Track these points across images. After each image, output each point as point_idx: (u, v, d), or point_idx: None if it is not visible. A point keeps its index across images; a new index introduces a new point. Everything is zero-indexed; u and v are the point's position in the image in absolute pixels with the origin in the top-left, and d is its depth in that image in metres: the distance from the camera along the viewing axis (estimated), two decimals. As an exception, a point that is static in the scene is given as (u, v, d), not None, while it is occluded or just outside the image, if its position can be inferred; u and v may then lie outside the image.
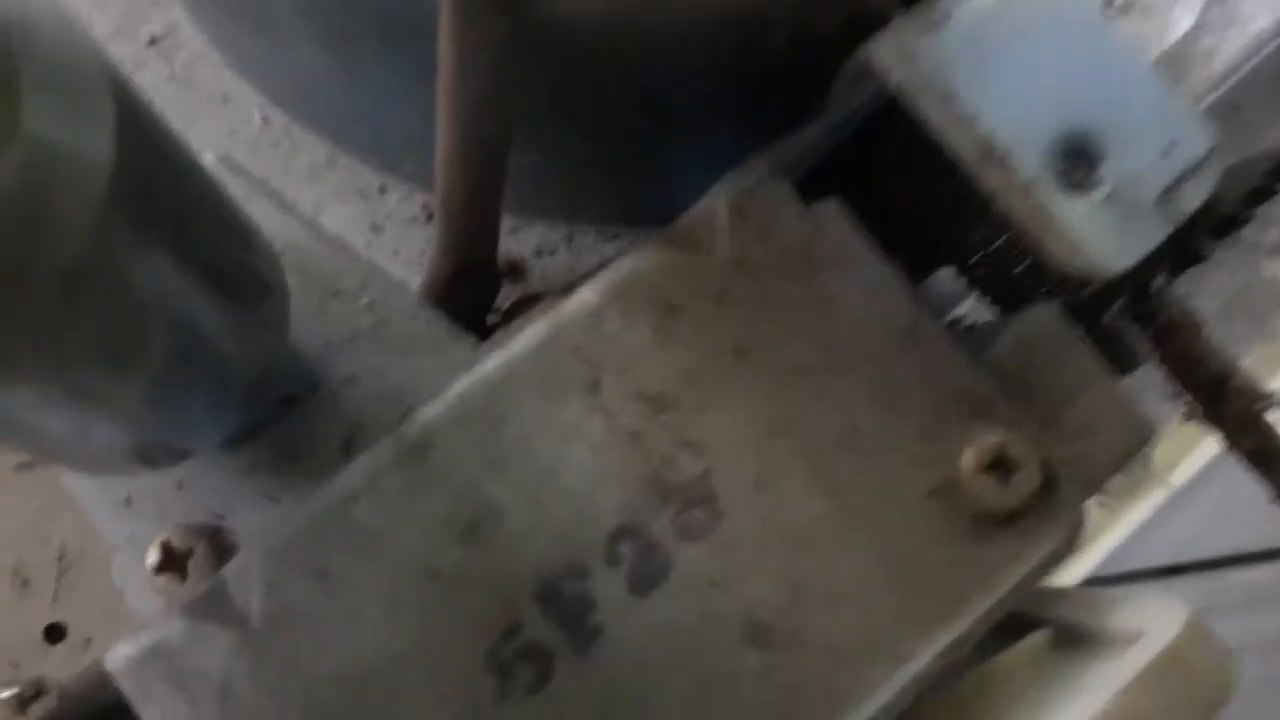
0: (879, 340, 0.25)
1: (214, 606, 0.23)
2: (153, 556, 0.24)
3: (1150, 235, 0.24)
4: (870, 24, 0.25)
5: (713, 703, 0.22)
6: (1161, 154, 0.24)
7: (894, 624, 0.23)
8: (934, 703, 0.23)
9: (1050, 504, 0.24)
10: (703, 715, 0.22)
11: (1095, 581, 0.59)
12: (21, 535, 0.37)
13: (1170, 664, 0.20)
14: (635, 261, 0.26)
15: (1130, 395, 0.26)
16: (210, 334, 0.22)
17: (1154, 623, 0.21)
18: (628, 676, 0.23)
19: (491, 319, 0.36)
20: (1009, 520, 0.23)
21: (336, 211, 0.42)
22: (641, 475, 0.24)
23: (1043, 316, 0.26)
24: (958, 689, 0.24)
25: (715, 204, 0.26)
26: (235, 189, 0.28)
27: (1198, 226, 0.29)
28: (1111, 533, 0.61)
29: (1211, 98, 0.52)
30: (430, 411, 0.24)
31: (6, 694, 0.26)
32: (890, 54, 0.24)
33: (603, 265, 0.27)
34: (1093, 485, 0.24)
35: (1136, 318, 0.32)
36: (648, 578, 0.23)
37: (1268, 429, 0.31)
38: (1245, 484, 0.34)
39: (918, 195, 0.31)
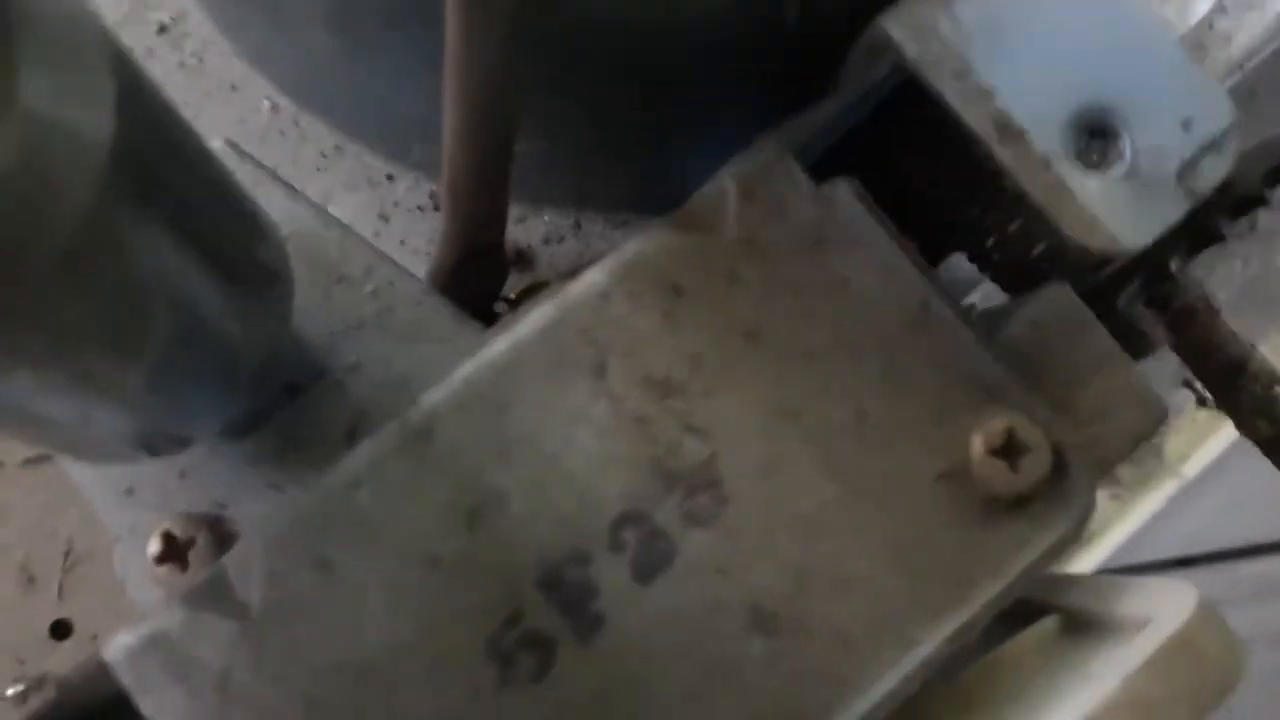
0: (889, 322, 0.25)
1: (214, 596, 0.23)
2: (154, 546, 0.23)
3: (1169, 212, 0.23)
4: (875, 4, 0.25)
5: (716, 690, 0.22)
6: (1181, 128, 0.24)
7: (901, 609, 0.23)
8: (942, 689, 0.23)
9: (1060, 488, 0.23)
10: (706, 703, 0.22)
11: (1106, 572, 0.58)
12: (27, 531, 0.37)
13: (1180, 649, 0.19)
14: (643, 244, 0.25)
15: (1144, 378, 0.25)
16: (213, 318, 0.22)
17: (1163, 608, 0.20)
18: (630, 664, 0.22)
19: (499, 307, 0.36)
20: (1018, 505, 0.23)
21: (344, 200, 0.42)
22: (646, 460, 0.24)
23: (1056, 297, 0.25)
24: (965, 675, 0.24)
25: (724, 185, 0.26)
26: (242, 174, 0.28)
27: (1216, 205, 0.28)
28: (1123, 524, 0.60)
29: (1230, 81, 0.51)
30: (434, 397, 0.24)
31: (11, 691, 0.26)
32: (904, 27, 0.24)
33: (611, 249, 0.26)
34: (1104, 469, 0.24)
35: (1152, 301, 0.32)
36: (651, 564, 0.23)
37: (1283, 414, 0.31)
38: (1258, 475, 0.34)
39: (933, 176, 0.30)
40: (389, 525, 0.23)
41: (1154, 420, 0.25)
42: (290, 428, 0.27)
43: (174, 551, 0.24)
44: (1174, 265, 0.30)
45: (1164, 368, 0.36)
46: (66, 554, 0.38)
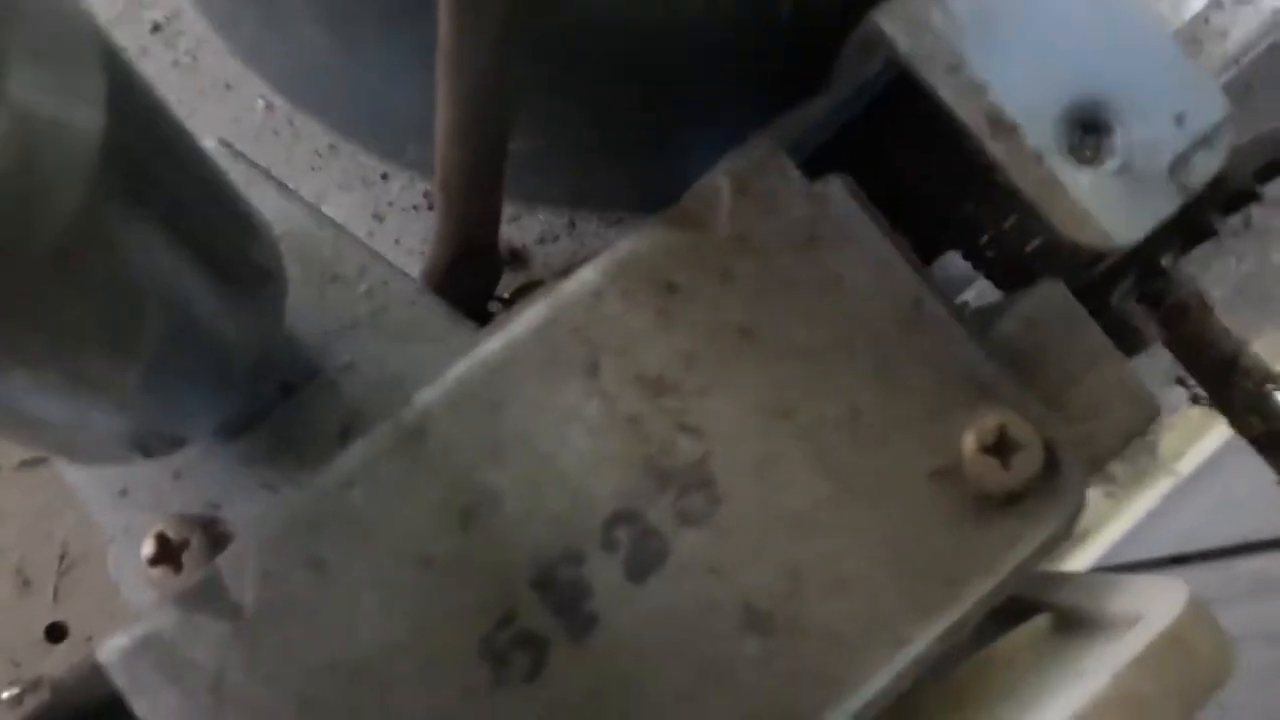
0: (882, 319, 0.25)
1: (207, 597, 0.23)
2: (147, 548, 0.23)
3: (1161, 207, 0.23)
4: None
5: (710, 690, 0.22)
6: (1174, 123, 0.24)
7: (893, 608, 0.23)
8: (934, 686, 0.23)
9: (1052, 486, 0.23)
10: (700, 703, 0.22)
11: (1101, 570, 0.58)
12: (23, 534, 0.37)
13: (1170, 645, 0.19)
14: (636, 241, 0.25)
15: (1137, 375, 0.25)
16: (207, 318, 0.22)
17: (1154, 605, 0.20)
18: (623, 663, 0.22)
19: (493, 306, 0.36)
20: (1010, 502, 0.23)
21: (339, 199, 0.42)
22: (639, 459, 0.24)
23: (1049, 294, 0.25)
24: (958, 673, 0.24)
25: (717, 181, 0.26)
26: (235, 173, 0.28)
27: (1209, 200, 0.28)
28: (1118, 521, 0.61)
29: (1225, 76, 0.51)
30: (427, 396, 0.24)
31: (6, 694, 0.26)
32: (896, 21, 0.24)
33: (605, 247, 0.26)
34: (1096, 466, 0.24)
35: (1144, 298, 0.32)
36: (645, 563, 0.23)
37: (1276, 411, 0.31)
38: (1252, 472, 0.34)
39: (926, 172, 0.30)
40: (383, 525, 0.23)
41: (1146, 417, 0.25)
42: (284, 427, 0.27)
43: (168, 553, 0.24)
44: (1167, 261, 0.30)
45: (1157, 364, 0.36)
46: (62, 557, 0.37)
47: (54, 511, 0.38)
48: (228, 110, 0.43)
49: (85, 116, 0.15)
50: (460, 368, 0.24)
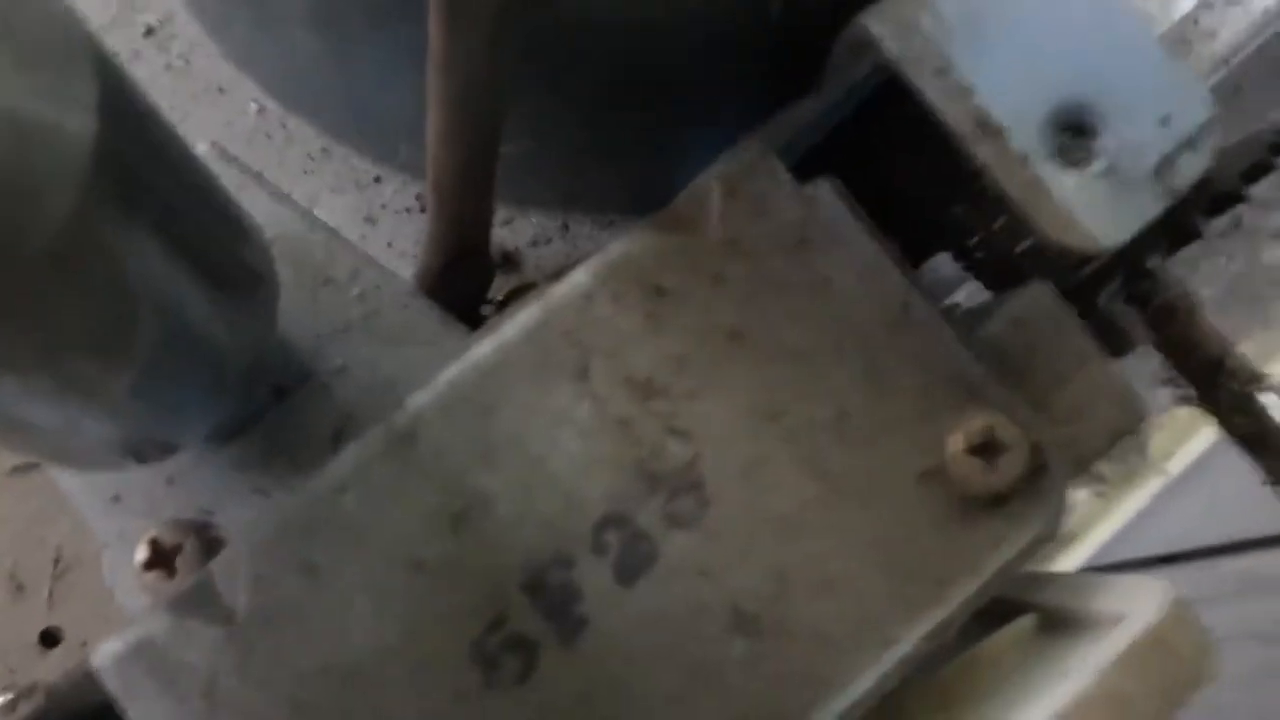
0: (871, 322, 0.25)
1: (200, 602, 0.23)
2: (141, 553, 0.24)
3: (1145, 209, 0.24)
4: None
5: (699, 692, 0.22)
6: (1159, 124, 0.24)
7: (880, 608, 0.23)
8: (920, 685, 0.23)
9: (1037, 487, 0.23)
10: (689, 705, 0.22)
11: (1092, 569, 0.59)
12: (16, 539, 0.37)
13: (1152, 645, 0.20)
14: (627, 244, 0.25)
15: (1123, 376, 0.26)
16: (199, 323, 0.22)
17: (1136, 605, 0.21)
18: (613, 666, 0.23)
19: (486, 309, 0.36)
20: (996, 503, 0.23)
21: (331, 202, 0.42)
22: (629, 463, 0.24)
23: (1037, 295, 0.26)
24: (944, 672, 0.24)
25: (707, 185, 0.26)
26: (227, 178, 0.28)
27: (1195, 202, 0.28)
28: (1108, 521, 0.61)
29: (1214, 77, 0.52)
30: (419, 400, 0.24)
31: (1, 700, 0.26)
32: (885, 24, 0.24)
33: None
34: (1082, 467, 0.24)
35: (1132, 299, 0.32)
36: (634, 566, 0.23)
37: (1261, 411, 0.31)
38: (1240, 472, 0.34)
39: (916, 174, 0.31)
40: (374, 529, 0.23)
41: (1132, 419, 0.25)
42: (276, 431, 0.27)
43: (161, 558, 0.24)
44: (1154, 263, 0.31)
45: (1147, 365, 0.36)
46: (56, 562, 0.37)
47: (48, 517, 0.38)
48: (220, 114, 0.43)
49: (77, 122, 0.15)
50: (452, 371, 0.24)
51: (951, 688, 0.24)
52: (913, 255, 0.30)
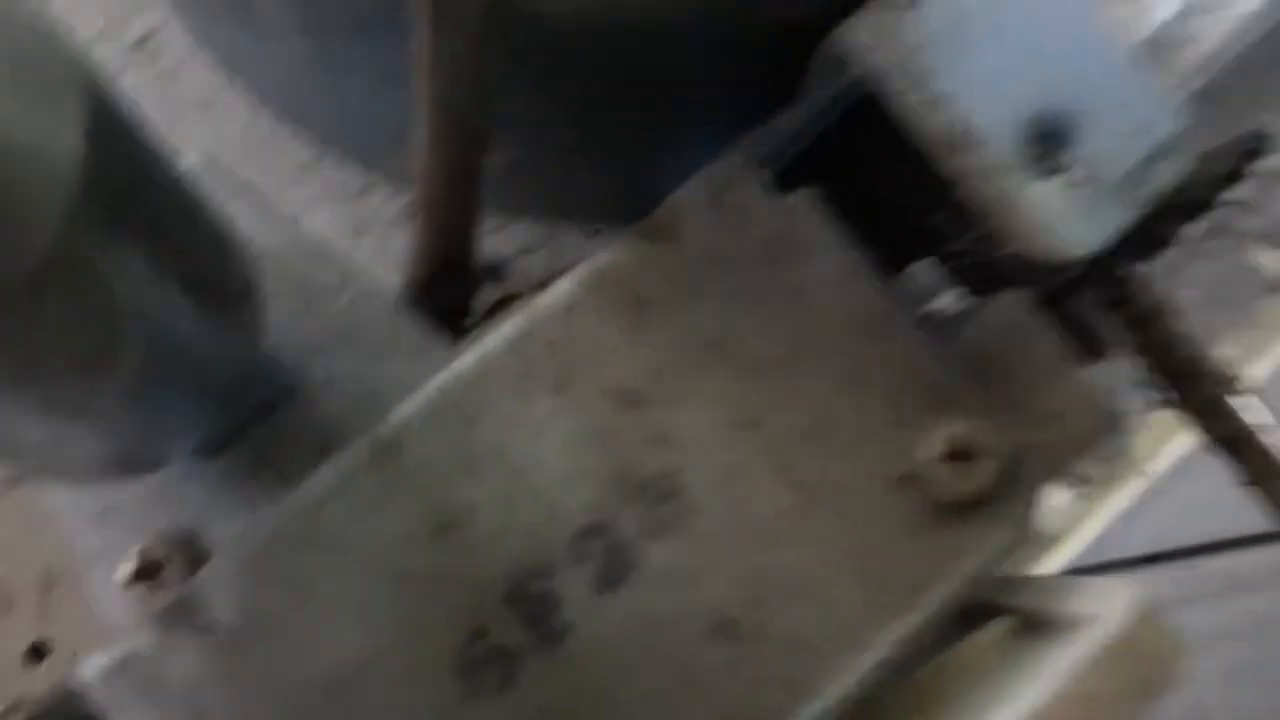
0: (847, 331, 0.25)
1: (185, 616, 0.23)
2: (128, 567, 0.24)
3: (1115, 219, 0.24)
4: (843, 8, 0.25)
5: (678, 698, 0.23)
6: (1130, 135, 0.25)
7: (856, 614, 0.23)
8: (898, 689, 0.24)
9: (1010, 493, 0.24)
10: (667, 710, 0.23)
11: (1076, 571, 0.59)
12: (4, 552, 0.37)
13: (1120, 647, 0.20)
14: (610, 255, 0.26)
15: (1097, 382, 0.26)
16: (186, 339, 0.23)
17: (1107, 608, 0.21)
18: (594, 674, 0.23)
19: (471, 320, 0.37)
20: (968, 508, 0.24)
21: (320, 212, 0.43)
22: (610, 472, 0.24)
23: (1010, 303, 0.26)
24: (921, 676, 0.24)
25: (689, 195, 0.26)
26: (216, 191, 0.28)
27: (1168, 210, 0.29)
28: (1092, 522, 0.62)
29: (1197, 83, 0.52)
30: (402, 412, 0.25)
31: (-11, 713, 0.26)
32: (864, 35, 0.24)
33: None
34: (1055, 473, 0.25)
35: (1109, 304, 0.32)
36: (615, 575, 0.24)
37: (1234, 414, 0.32)
38: (1222, 473, 0.34)
39: (899, 183, 0.31)
40: (358, 541, 0.23)
41: (1104, 424, 0.25)
42: (263, 445, 0.27)
43: (149, 571, 0.24)
44: (1129, 269, 0.31)
45: (1128, 369, 0.37)
46: (45, 575, 0.38)
47: (37, 529, 0.38)
48: (210, 124, 0.43)
49: (65, 145, 0.16)
50: (435, 383, 0.25)
51: (928, 690, 0.24)
52: (896, 261, 0.30)
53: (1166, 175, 0.25)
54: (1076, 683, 0.20)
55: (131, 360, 0.20)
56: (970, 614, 0.25)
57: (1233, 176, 0.33)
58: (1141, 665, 0.20)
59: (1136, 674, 0.20)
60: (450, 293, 0.33)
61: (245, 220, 0.29)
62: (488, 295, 0.41)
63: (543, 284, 0.27)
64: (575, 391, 0.25)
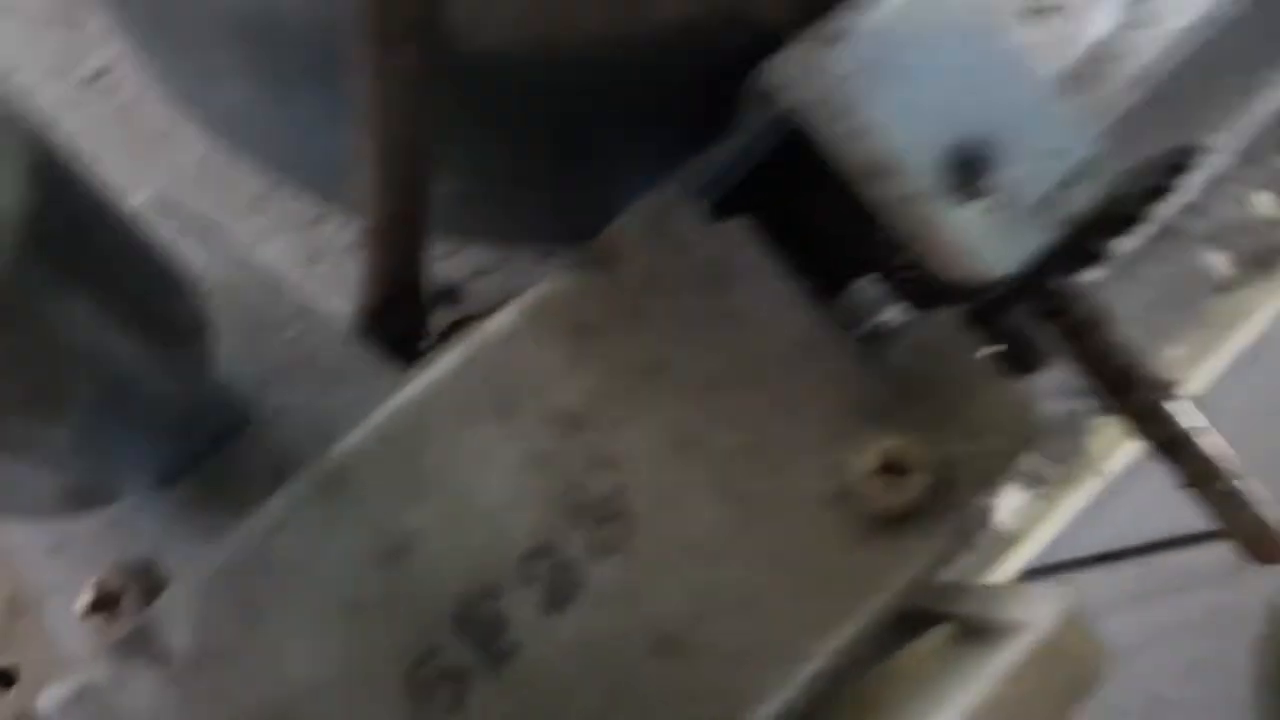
0: (783, 353, 0.26)
1: (140, 645, 0.23)
2: (84, 598, 0.24)
3: (1032, 240, 0.25)
4: (772, 43, 0.26)
5: (620, 712, 0.23)
6: (1046, 160, 0.26)
7: (792, 626, 0.24)
8: (837, 697, 0.25)
9: (943, 504, 0.25)
10: None
11: (1035, 571, 0.60)
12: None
13: (1045, 652, 0.21)
14: (550, 283, 0.27)
15: (1024, 395, 0.27)
16: (135, 376, 0.23)
17: (1035, 613, 0.22)
18: (541, 692, 0.24)
19: (426, 344, 0.37)
20: (902, 520, 0.25)
21: (274, 242, 0.43)
22: (555, 495, 0.25)
23: (939, 320, 0.27)
24: (864, 684, 0.25)
25: (627, 225, 0.27)
26: (168, 226, 0.29)
27: (1093, 227, 0.30)
28: (1050, 522, 0.63)
29: (1131, 98, 0.53)
30: (348, 442, 0.25)
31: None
32: (785, 71, 0.25)
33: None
34: (986, 484, 0.26)
35: (1045, 316, 0.33)
36: (562, 595, 0.24)
37: (1169, 419, 0.33)
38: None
39: (834, 211, 0.32)
40: (308, 569, 0.24)
41: (1033, 434, 0.26)
42: (217, 476, 0.28)
43: (105, 602, 0.24)
44: (1059, 283, 0.32)
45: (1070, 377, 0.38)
46: (11, 603, 0.38)
47: (1, 558, 0.38)
48: (165, 158, 0.43)
49: (5, 196, 0.16)
50: (380, 412, 0.25)
51: (871, 698, 0.25)
52: (836, 282, 0.31)
53: (1082, 198, 0.26)
54: (1006, 687, 0.21)
55: (80, 400, 0.21)
56: (911, 622, 0.26)
57: (1159, 191, 0.34)
58: (1068, 667, 0.21)
59: (1063, 676, 0.21)
60: (402, 320, 0.33)
61: (197, 254, 0.30)
62: (443, 318, 0.41)
63: (497, 306, 0.28)
64: (519, 417, 0.25)
